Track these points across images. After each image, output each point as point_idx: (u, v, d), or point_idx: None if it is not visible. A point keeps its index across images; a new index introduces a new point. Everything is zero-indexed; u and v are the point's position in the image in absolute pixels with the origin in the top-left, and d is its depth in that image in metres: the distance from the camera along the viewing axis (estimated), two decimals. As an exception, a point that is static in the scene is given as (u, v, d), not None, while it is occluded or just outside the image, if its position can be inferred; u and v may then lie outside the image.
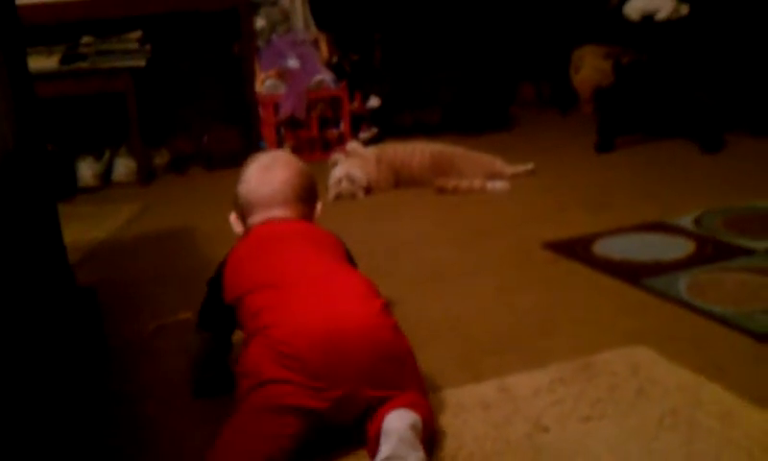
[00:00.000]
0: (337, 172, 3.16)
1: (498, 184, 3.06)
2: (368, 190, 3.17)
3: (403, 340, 1.28)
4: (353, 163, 3.20)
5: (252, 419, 1.18)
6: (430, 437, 1.23)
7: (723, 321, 1.65)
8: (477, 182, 3.07)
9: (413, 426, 1.16)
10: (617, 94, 3.87)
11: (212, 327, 1.46)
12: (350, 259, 1.50)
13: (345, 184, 3.12)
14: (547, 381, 1.44)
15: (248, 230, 1.49)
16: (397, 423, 1.16)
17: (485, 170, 3.16)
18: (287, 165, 1.51)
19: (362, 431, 1.22)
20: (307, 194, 1.52)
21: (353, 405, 1.21)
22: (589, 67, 4.47)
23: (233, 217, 1.53)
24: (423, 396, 1.27)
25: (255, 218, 1.47)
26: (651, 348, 1.54)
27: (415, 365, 1.30)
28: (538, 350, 1.60)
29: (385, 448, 1.14)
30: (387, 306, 1.30)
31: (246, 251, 1.42)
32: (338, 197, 3.10)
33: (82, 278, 1.95)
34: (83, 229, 2.88)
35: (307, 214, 1.51)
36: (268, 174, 1.49)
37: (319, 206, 1.56)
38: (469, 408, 1.36)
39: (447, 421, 1.32)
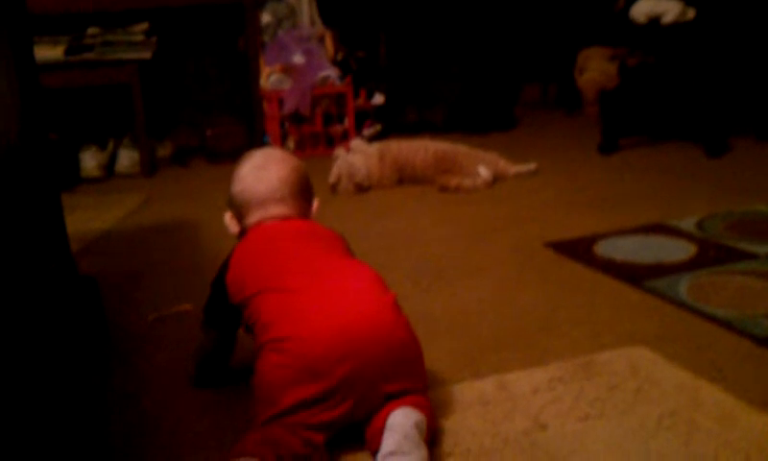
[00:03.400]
0: (338, 166, 3.17)
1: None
2: (369, 186, 3.17)
3: (415, 338, 1.28)
4: (355, 159, 3.21)
5: (270, 442, 1.14)
6: (432, 437, 1.23)
7: (723, 324, 1.65)
8: (480, 181, 3.08)
9: (417, 425, 1.16)
10: (622, 96, 3.88)
11: (218, 326, 1.46)
12: (352, 256, 1.49)
13: (345, 179, 3.12)
14: (546, 379, 1.44)
15: (245, 229, 1.46)
16: (402, 419, 1.16)
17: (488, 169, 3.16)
18: (282, 162, 1.48)
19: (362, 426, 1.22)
20: (304, 191, 1.49)
21: (369, 404, 1.21)
22: (594, 69, 4.47)
23: (228, 217, 1.50)
24: (426, 396, 1.28)
25: (253, 217, 1.45)
26: (651, 349, 1.54)
27: (423, 363, 1.30)
28: (538, 348, 1.60)
29: (389, 443, 1.13)
30: (397, 302, 1.30)
31: (249, 252, 1.39)
32: (338, 191, 3.10)
33: (83, 268, 1.96)
34: (85, 219, 2.89)
35: (305, 211, 1.49)
36: (263, 172, 1.45)
37: (315, 203, 1.53)
38: (468, 405, 1.36)
39: (446, 417, 1.32)
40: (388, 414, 1.18)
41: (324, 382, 1.17)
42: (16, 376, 1.23)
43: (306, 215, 1.50)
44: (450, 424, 1.30)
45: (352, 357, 1.18)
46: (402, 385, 1.23)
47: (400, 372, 1.23)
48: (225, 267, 1.40)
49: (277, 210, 1.44)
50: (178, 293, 2.00)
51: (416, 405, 1.20)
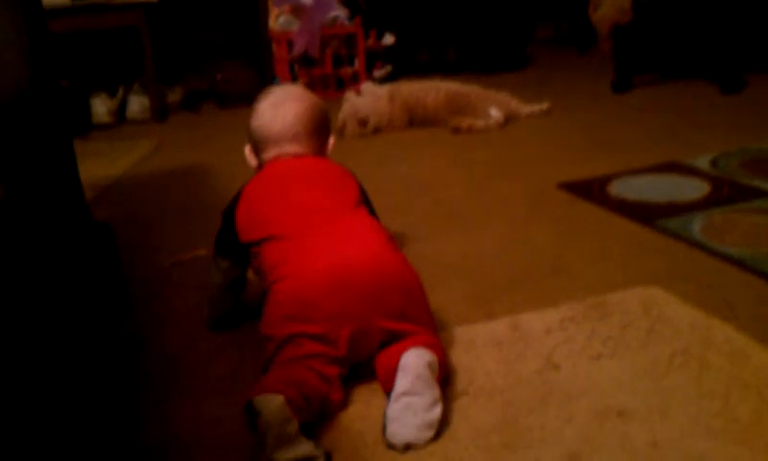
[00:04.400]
0: (343, 111, 3.15)
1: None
2: (379, 128, 3.15)
3: (412, 272, 1.29)
4: (363, 101, 3.18)
5: (291, 381, 1.16)
6: (444, 378, 1.24)
7: (736, 262, 1.65)
8: (492, 122, 3.05)
9: (429, 365, 1.17)
10: (636, 32, 3.81)
11: (229, 255, 1.47)
12: (364, 195, 1.48)
13: (350, 122, 3.10)
14: (559, 320, 1.45)
15: (261, 164, 1.50)
16: (415, 360, 1.17)
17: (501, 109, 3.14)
18: (299, 99, 1.51)
19: (374, 367, 1.24)
20: (320, 128, 1.51)
21: (368, 339, 1.23)
22: (609, 5, 4.39)
23: (248, 150, 1.55)
24: (437, 336, 1.29)
25: (268, 153, 1.48)
26: (663, 288, 1.54)
27: (425, 300, 1.30)
28: (550, 289, 1.60)
29: (402, 384, 1.15)
30: (392, 240, 1.32)
31: (257, 192, 1.42)
32: (345, 135, 3.09)
33: (96, 215, 1.97)
34: (97, 165, 2.89)
35: (320, 149, 1.52)
36: (280, 109, 1.49)
37: (331, 141, 1.56)
38: (481, 345, 1.38)
39: (459, 357, 1.33)
40: (400, 354, 1.19)
41: (316, 315, 1.20)
42: (34, 323, 1.25)
43: (321, 153, 1.52)
44: (464, 364, 1.31)
45: (341, 291, 1.20)
46: (402, 322, 1.24)
47: (394, 303, 1.24)
48: (236, 200, 1.43)
49: (291, 148, 1.47)
50: (192, 237, 2.02)
51: (427, 346, 1.21)
